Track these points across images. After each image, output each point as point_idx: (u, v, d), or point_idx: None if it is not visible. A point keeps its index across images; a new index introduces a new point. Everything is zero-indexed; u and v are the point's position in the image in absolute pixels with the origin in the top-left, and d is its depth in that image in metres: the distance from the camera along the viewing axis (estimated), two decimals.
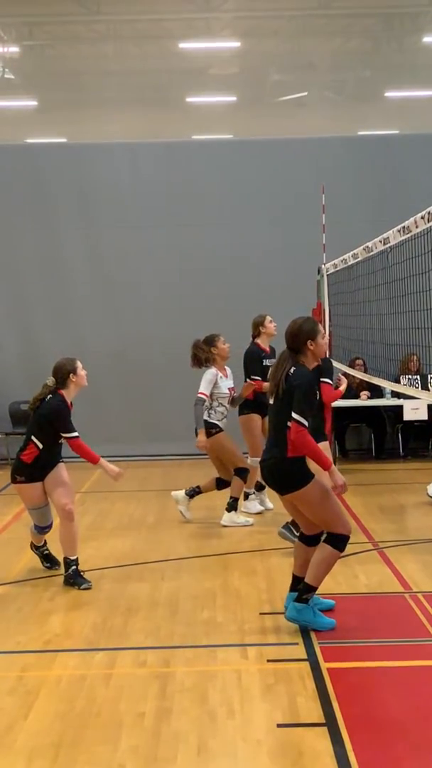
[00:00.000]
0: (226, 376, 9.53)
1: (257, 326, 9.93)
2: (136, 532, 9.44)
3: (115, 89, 24.59)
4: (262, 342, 9.92)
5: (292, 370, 6.00)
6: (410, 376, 11.98)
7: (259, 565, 7.86)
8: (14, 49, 23.22)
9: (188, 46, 22.90)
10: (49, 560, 7.96)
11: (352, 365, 12.71)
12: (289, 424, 5.90)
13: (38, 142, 21.39)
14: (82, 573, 7.45)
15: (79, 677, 5.57)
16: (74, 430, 7.44)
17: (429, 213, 7.24)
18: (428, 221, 7.32)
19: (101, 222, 14.28)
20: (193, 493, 9.79)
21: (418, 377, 12.30)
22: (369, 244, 9.66)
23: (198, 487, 9.79)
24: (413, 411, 11.69)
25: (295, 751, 4.56)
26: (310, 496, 5.99)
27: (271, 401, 6.15)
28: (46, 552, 7.98)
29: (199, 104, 25.81)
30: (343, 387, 8.83)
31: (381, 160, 14.27)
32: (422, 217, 7.44)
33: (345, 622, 6.37)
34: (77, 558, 7.46)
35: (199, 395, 9.29)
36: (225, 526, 9.43)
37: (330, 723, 4.82)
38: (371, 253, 9.73)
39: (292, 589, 6.37)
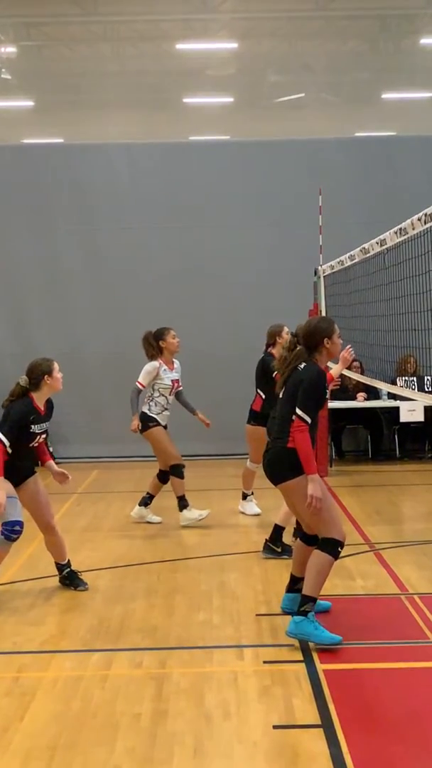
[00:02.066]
0: (172, 369, 9.64)
1: (273, 336, 9.59)
2: (133, 533, 9.43)
3: (112, 90, 24.59)
4: (277, 352, 9.87)
5: (302, 366, 6.01)
6: (407, 378, 11.99)
7: (255, 566, 7.86)
8: (11, 49, 23.21)
9: (185, 47, 22.91)
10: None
11: (348, 367, 12.69)
12: (293, 418, 5.89)
13: (35, 142, 21.39)
14: (78, 573, 7.44)
15: (75, 678, 5.56)
16: (6, 440, 6.99)
17: (426, 215, 7.25)
18: (425, 223, 7.33)
19: (98, 223, 14.27)
20: (146, 501, 9.78)
21: (415, 379, 12.32)
22: (366, 245, 9.66)
23: (147, 493, 9.79)
24: (410, 413, 11.67)
25: (291, 753, 4.56)
26: (302, 487, 5.89)
27: (280, 394, 6.15)
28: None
29: (196, 105, 25.82)
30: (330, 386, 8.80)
31: (378, 162, 14.27)
32: (419, 219, 7.45)
33: (341, 623, 6.37)
34: (69, 560, 7.42)
35: (136, 384, 9.54)
36: (185, 527, 9.47)
37: (326, 725, 4.82)
38: (368, 255, 9.73)
39: (289, 589, 6.37)
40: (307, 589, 5.88)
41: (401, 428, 13.48)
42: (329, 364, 6.97)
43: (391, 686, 5.34)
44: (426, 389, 11.52)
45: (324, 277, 12.45)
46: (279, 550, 7.95)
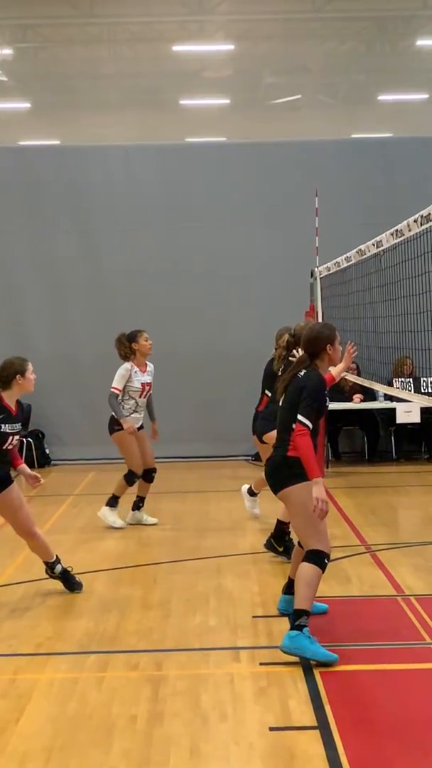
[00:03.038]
0: (144, 372, 9.65)
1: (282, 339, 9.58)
2: (129, 534, 9.42)
3: (108, 91, 24.62)
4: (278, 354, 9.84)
5: (302, 373, 6.00)
6: (403, 379, 12.00)
7: (252, 568, 7.86)
8: (7, 51, 23.21)
9: (182, 49, 22.92)
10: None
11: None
12: (294, 426, 5.87)
13: (32, 144, 21.40)
14: (70, 570, 7.35)
15: (71, 680, 5.55)
16: None
17: (422, 216, 7.26)
18: (421, 224, 7.34)
19: (94, 224, 14.27)
20: (138, 505, 9.79)
21: (411, 380, 12.32)
22: (362, 247, 9.67)
23: (138, 497, 9.79)
24: (406, 414, 11.68)
25: (287, 755, 4.56)
26: (296, 497, 5.87)
27: (281, 402, 6.16)
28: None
29: (193, 107, 25.84)
30: None
31: (374, 164, 14.28)
32: (415, 221, 7.46)
33: (337, 625, 6.38)
34: (56, 557, 7.29)
35: (112, 390, 9.52)
36: (102, 519, 9.57)
37: (322, 726, 4.81)
38: (364, 256, 9.74)
39: (286, 591, 6.36)
40: (298, 603, 5.76)
41: (398, 430, 13.50)
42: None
43: (387, 688, 5.34)
44: (422, 391, 11.52)
45: (320, 278, 12.46)
46: (280, 549, 7.90)
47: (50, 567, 7.33)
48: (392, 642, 6.05)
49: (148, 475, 9.74)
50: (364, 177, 14.15)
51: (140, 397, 9.59)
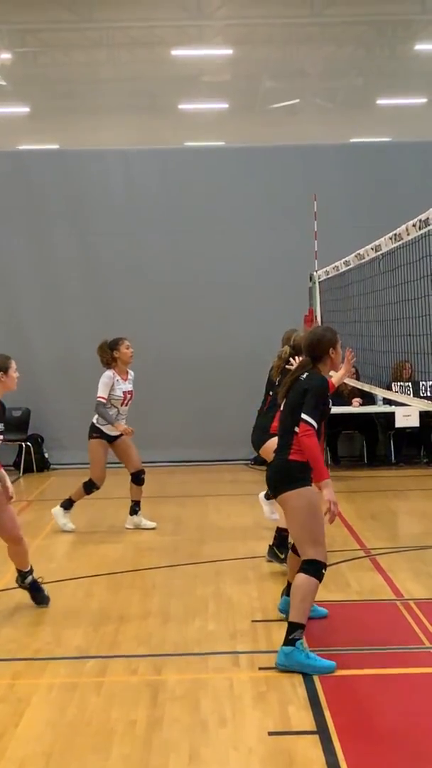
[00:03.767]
0: (125, 380, 9.70)
1: (289, 341, 9.54)
2: (128, 539, 9.42)
3: (107, 96, 24.65)
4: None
5: (304, 375, 5.97)
6: (402, 383, 11.99)
7: (251, 572, 7.85)
8: (6, 55, 23.25)
9: (181, 53, 22.95)
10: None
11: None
12: (296, 429, 5.82)
13: (30, 148, 21.43)
14: (40, 581, 7.19)
15: (70, 685, 5.55)
16: None
17: (421, 220, 7.26)
18: (420, 229, 7.33)
19: (93, 228, 14.27)
20: (134, 510, 9.80)
21: (410, 384, 12.30)
22: (361, 251, 9.67)
23: (133, 501, 9.80)
24: (405, 418, 11.71)
25: (286, 760, 4.55)
26: (298, 502, 5.80)
27: (282, 406, 6.12)
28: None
29: (192, 111, 25.88)
30: None
31: (373, 168, 14.29)
32: (414, 225, 7.46)
33: (337, 629, 6.37)
34: (31, 568, 7.15)
35: (98, 399, 9.56)
36: (61, 526, 9.63)
37: (321, 731, 4.81)
38: (363, 261, 9.74)
39: (287, 592, 6.33)
40: (293, 616, 5.68)
41: (397, 433, 13.48)
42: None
43: (386, 692, 5.33)
44: (421, 395, 11.51)
45: (319, 282, 12.46)
46: (282, 557, 7.64)
47: (22, 576, 7.14)
48: (392, 647, 6.04)
49: (138, 477, 9.76)
50: (363, 181, 14.16)
51: (122, 405, 9.64)
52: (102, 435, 9.58)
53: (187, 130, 24.44)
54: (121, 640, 6.32)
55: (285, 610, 6.27)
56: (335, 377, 7.44)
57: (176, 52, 22.88)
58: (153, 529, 9.71)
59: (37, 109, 25.63)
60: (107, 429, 9.57)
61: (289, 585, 6.32)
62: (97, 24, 21.83)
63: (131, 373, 9.80)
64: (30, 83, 24.70)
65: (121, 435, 9.63)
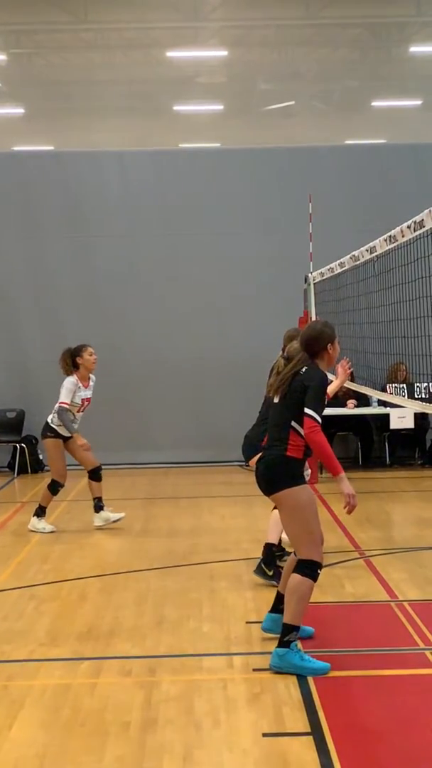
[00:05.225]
0: (86, 387, 9.77)
1: (291, 340, 9.51)
2: (122, 540, 9.41)
3: (102, 97, 24.65)
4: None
5: (303, 370, 5.83)
6: (397, 385, 12.00)
7: (245, 574, 7.83)
8: (2, 56, 23.25)
9: (176, 55, 22.98)
10: None
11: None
12: (293, 423, 5.70)
13: (25, 149, 21.41)
14: None
15: (64, 687, 5.54)
16: None
17: (415, 222, 7.26)
18: (414, 230, 7.34)
19: (88, 230, 14.26)
20: (99, 507, 9.84)
21: (405, 386, 12.31)
22: (356, 252, 9.67)
23: (95, 498, 9.86)
24: (400, 420, 11.71)
25: (280, 761, 4.55)
26: (293, 500, 5.69)
27: (276, 400, 5.96)
28: None
29: (187, 113, 25.88)
30: None
31: (368, 170, 14.30)
32: (409, 227, 7.46)
33: (331, 631, 6.37)
34: None
35: (61, 405, 9.63)
36: (31, 531, 9.67)
37: (315, 732, 4.80)
38: (358, 262, 9.74)
39: (274, 609, 6.06)
40: (288, 617, 5.59)
41: (391, 435, 13.50)
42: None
43: (380, 693, 5.33)
44: (416, 396, 11.52)
45: (314, 284, 12.46)
46: (270, 573, 7.45)
47: None
48: (386, 648, 6.04)
49: (96, 474, 9.85)
50: (358, 183, 14.17)
51: (78, 411, 9.75)
52: (57, 434, 9.70)
53: (183, 132, 24.45)
54: (115, 641, 6.31)
55: (270, 629, 6.02)
56: (331, 386, 7.37)
57: (171, 54, 22.90)
58: (120, 519, 9.76)
59: (32, 111, 25.62)
60: (61, 429, 9.68)
61: (277, 598, 6.04)
62: (92, 25, 21.85)
63: (93, 379, 9.90)
64: (25, 84, 24.70)
65: (69, 438, 9.73)
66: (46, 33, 22.65)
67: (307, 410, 5.66)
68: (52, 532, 9.68)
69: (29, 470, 13.68)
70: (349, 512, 5.73)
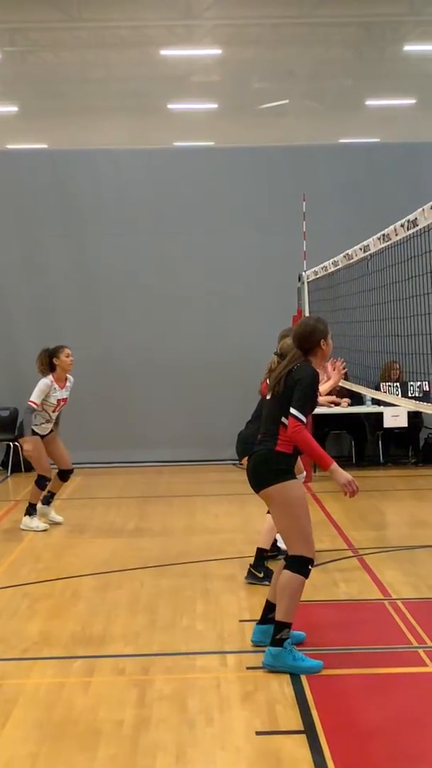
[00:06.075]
0: (62, 387, 9.81)
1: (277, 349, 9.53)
2: (116, 539, 9.41)
3: (96, 96, 24.61)
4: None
5: (296, 366, 5.77)
6: (390, 384, 12.01)
7: (239, 572, 7.83)
8: None
9: (170, 54, 22.94)
10: None
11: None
12: (283, 419, 5.65)
13: (19, 148, 21.37)
14: None
15: (57, 685, 5.53)
16: None
17: (409, 221, 7.26)
18: (408, 229, 7.34)
19: (82, 229, 14.25)
20: (48, 500, 9.93)
21: (398, 385, 12.32)
22: (349, 251, 9.67)
23: (49, 492, 9.96)
24: (393, 418, 11.73)
25: (273, 759, 4.55)
26: (284, 496, 5.64)
27: (269, 396, 5.94)
28: None
29: (181, 111, 25.84)
30: None
31: (362, 169, 14.32)
32: (402, 225, 7.46)
33: (324, 629, 6.37)
34: None
35: (29, 403, 9.64)
36: (23, 530, 9.69)
37: (309, 730, 4.81)
38: (351, 261, 9.74)
39: (261, 620, 5.97)
40: (280, 615, 5.56)
41: (385, 434, 13.50)
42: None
43: (373, 692, 5.34)
44: (410, 395, 11.53)
45: (308, 282, 12.46)
46: (261, 575, 7.45)
47: None
48: (379, 646, 6.05)
49: (65, 475, 9.93)
50: (352, 182, 14.18)
51: (53, 411, 9.80)
52: (34, 432, 9.75)
53: (177, 131, 24.40)
54: (109, 639, 6.31)
55: (260, 641, 5.89)
56: (323, 387, 7.35)
57: (165, 53, 22.86)
58: (60, 523, 9.83)
59: (25, 109, 25.57)
60: (40, 429, 9.76)
61: (266, 608, 5.95)
62: (86, 24, 21.80)
63: (71, 379, 9.94)
64: (18, 83, 24.63)
65: (50, 433, 9.83)
66: (40, 31, 22.60)
67: (291, 410, 5.61)
68: (45, 530, 9.68)
69: (22, 469, 13.66)
70: (351, 495, 5.66)
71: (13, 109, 25.68)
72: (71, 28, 22.20)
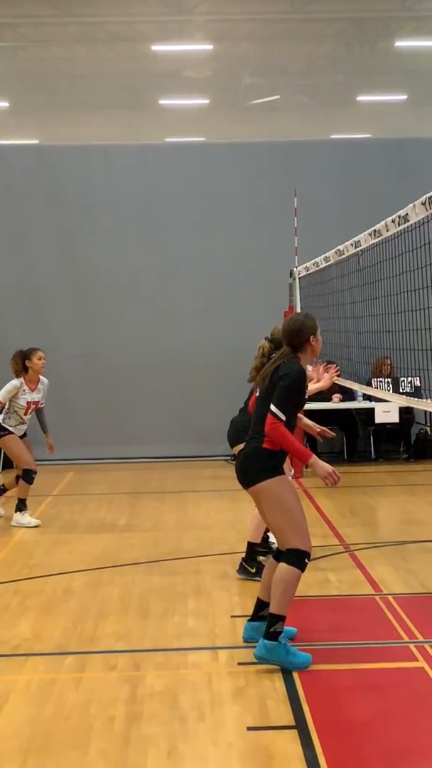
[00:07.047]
0: (33, 390, 9.85)
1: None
2: (108, 534, 9.41)
3: (87, 91, 24.54)
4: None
5: (283, 363, 5.73)
6: (382, 379, 12.02)
7: (230, 568, 7.84)
8: None
9: (161, 49, 22.88)
10: None
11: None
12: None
13: (10, 143, 21.27)
14: None
15: (48, 681, 5.53)
16: None
17: (400, 217, 7.28)
18: (399, 225, 7.35)
19: (73, 224, 14.23)
20: (20, 507, 9.88)
21: (390, 380, 12.34)
22: (340, 247, 9.68)
23: (18, 499, 9.92)
24: (385, 414, 11.72)
25: (265, 755, 4.55)
26: (273, 492, 5.61)
27: (257, 393, 5.94)
28: None
29: (172, 107, 25.80)
30: None
31: (353, 164, 14.33)
32: (393, 221, 7.47)
33: (315, 624, 6.38)
34: None
35: None
36: (14, 526, 9.71)
37: (300, 726, 4.81)
38: (343, 257, 9.76)
39: (253, 617, 5.96)
40: (274, 608, 5.52)
41: (376, 429, 13.53)
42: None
43: (365, 687, 5.34)
44: (401, 391, 11.57)
45: (299, 278, 12.47)
46: (253, 570, 7.45)
47: None
48: (370, 641, 6.06)
49: (27, 477, 9.90)
50: (343, 178, 14.18)
51: (24, 414, 9.85)
52: (10, 432, 9.82)
53: (168, 126, 24.37)
54: (100, 636, 6.31)
55: (252, 638, 5.86)
56: (312, 387, 7.33)
57: (157, 48, 22.81)
58: (36, 527, 9.76)
59: (16, 104, 25.49)
60: (16, 430, 9.84)
61: (257, 605, 5.95)
62: (77, 19, 21.72)
63: (44, 382, 9.96)
64: (9, 78, 24.54)
65: (23, 437, 9.93)
66: (31, 26, 22.51)
67: (271, 407, 5.59)
68: (36, 526, 9.68)
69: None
70: (333, 484, 5.69)
71: (4, 104, 25.60)
72: (62, 23, 22.12)
